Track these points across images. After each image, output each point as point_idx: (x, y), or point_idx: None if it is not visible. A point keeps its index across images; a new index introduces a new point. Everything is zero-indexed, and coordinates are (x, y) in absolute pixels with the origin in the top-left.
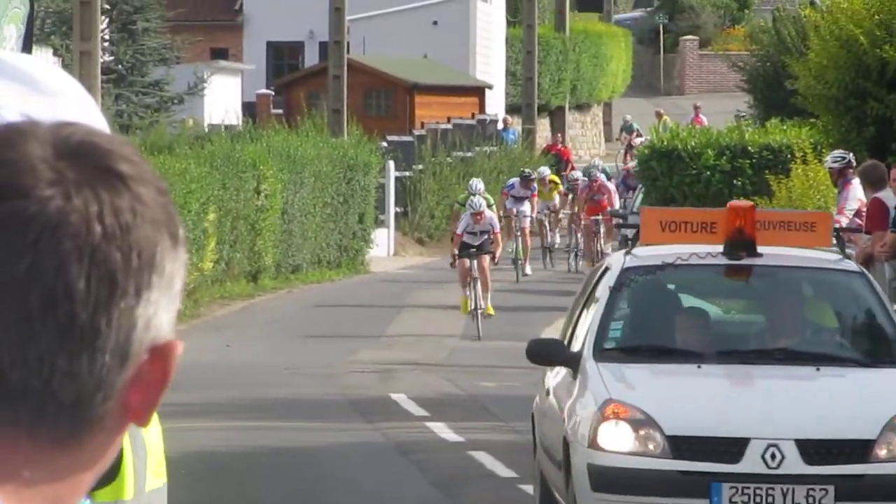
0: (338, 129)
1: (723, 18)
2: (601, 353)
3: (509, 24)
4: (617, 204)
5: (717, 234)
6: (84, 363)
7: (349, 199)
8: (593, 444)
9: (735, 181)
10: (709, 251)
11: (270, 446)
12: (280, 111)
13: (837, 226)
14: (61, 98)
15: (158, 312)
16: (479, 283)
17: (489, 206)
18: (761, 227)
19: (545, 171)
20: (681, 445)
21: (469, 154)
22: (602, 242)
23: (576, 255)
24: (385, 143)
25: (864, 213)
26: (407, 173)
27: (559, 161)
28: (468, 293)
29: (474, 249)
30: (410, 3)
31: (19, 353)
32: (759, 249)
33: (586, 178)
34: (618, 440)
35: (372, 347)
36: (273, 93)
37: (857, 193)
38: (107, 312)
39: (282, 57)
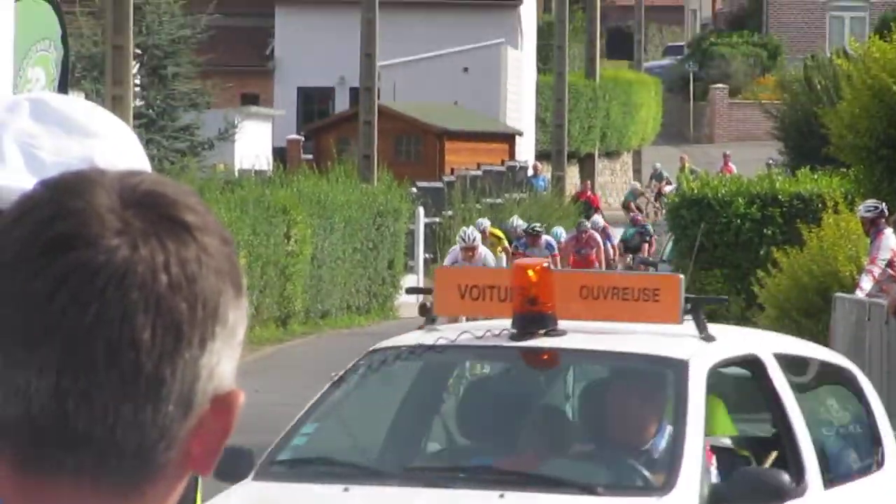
0: (368, 174)
1: (753, 67)
2: (268, 467)
3: (539, 70)
4: (605, 258)
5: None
6: (148, 413)
7: (379, 245)
8: None
9: (765, 230)
10: (499, 328)
11: None
12: (310, 156)
13: (868, 276)
14: (101, 139)
15: (221, 362)
16: None
17: (496, 241)
18: (588, 295)
19: (515, 221)
20: None
21: (499, 200)
22: None
23: None
24: (415, 189)
25: None
26: (436, 219)
27: (589, 208)
28: None
29: None
30: (441, 50)
31: (85, 402)
32: (569, 325)
33: (560, 230)
34: None
35: None
36: (303, 138)
37: (889, 243)
38: (171, 363)
39: (312, 102)
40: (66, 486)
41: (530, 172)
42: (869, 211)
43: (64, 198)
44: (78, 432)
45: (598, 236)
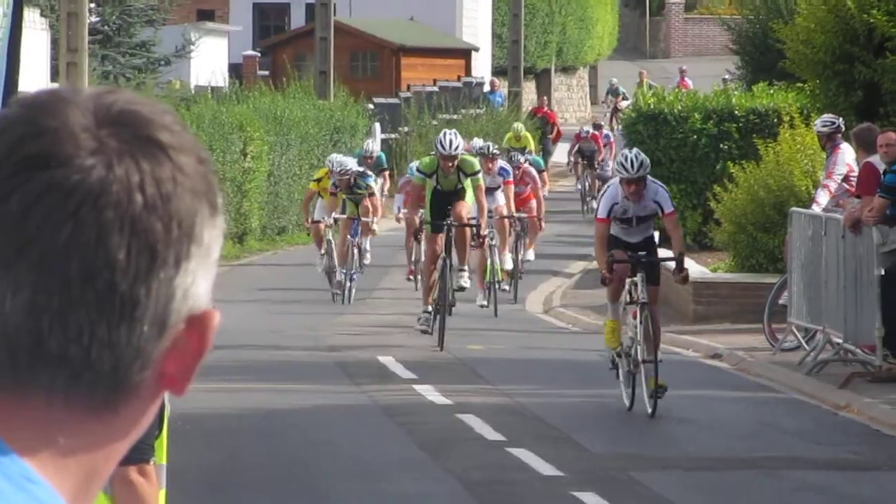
0: (324, 91)
1: None
2: None
3: None
4: (542, 197)
5: None
6: (123, 333)
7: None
8: None
9: (722, 145)
10: None
11: (258, 409)
12: (266, 73)
13: (825, 191)
14: None
15: (196, 282)
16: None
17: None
18: None
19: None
20: None
21: (455, 116)
22: (524, 251)
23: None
24: (371, 106)
25: (852, 178)
26: (393, 135)
27: (545, 124)
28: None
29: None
30: None
31: (59, 321)
32: None
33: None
34: None
35: (359, 310)
36: (259, 54)
37: (846, 158)
38: (146, 283)
39: (268, 18)
40: (38, 402)
41: (487, 88)
42: (826, 126)
43: (38, 117)
44: (52, 351)
45: (533, 171)
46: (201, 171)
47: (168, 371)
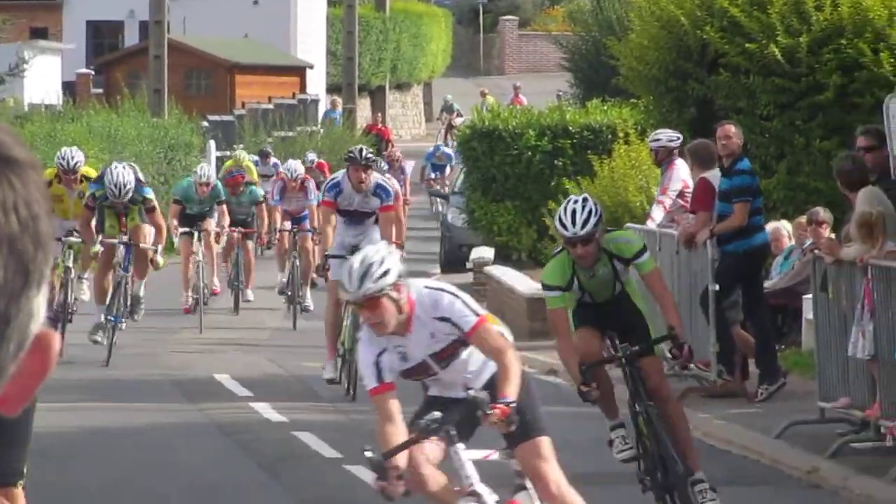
0: (158, 109)
1: None
2: None
3: (330, 3)
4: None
5: None
6: None
7: (170, 179)
8: None
9: (556, 161)
10: None
11: (92, 428)
12: (100, 91)
13: (660, 206)
14: None
15: (42, 303)
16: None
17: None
18: None
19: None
20: None
21: (290, 134)
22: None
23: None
24: (206, 123)
25: (687, 194)
26: (227, 153)
27: (380, 141)
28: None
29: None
30: None
31: None
32: None
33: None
34: None
35: (194, 327)
36: (93, 72)
37: (680, 174)
38: (17, 302)
39: (102, 36)
40: None
41: (329, 106)
42: (672, 141)
43: None
44: None
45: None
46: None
47: (8, 392)
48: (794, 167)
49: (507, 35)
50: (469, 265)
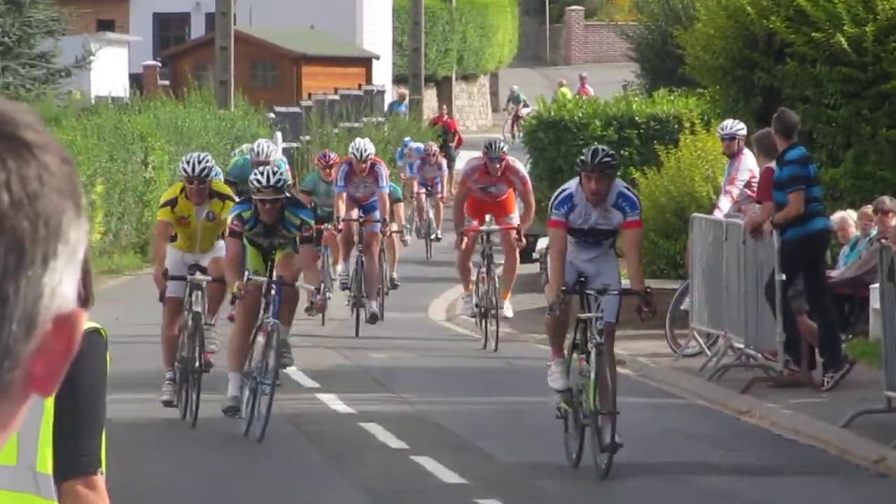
0: (224, 100)
1: None
2: None
3: None
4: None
5: None
6: None
7: None
8: None
9: (622, 152)
10: None
11: (163, 419)
12: (167, 83)
13: (727, 196)
14: None
15: (63, 281)
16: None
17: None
18: None
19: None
20: None
21: (357, 125)
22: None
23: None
24: (272, 115)
25: (753, 184)
26: (294, 144)
27: (446, 132)
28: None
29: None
30: None
31: None
32: None
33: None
34: None
35: None
36: (160, 64)
37: (748, 164)
38: (15, 281)
39: (168, 28)
40: None
41: (396, 98)
42: (741, 130)
43: None
44: None
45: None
46: (66, 170)
47: (36, 372)
48: (861, 156)
49: (573, 25)
50: (535, 255)
